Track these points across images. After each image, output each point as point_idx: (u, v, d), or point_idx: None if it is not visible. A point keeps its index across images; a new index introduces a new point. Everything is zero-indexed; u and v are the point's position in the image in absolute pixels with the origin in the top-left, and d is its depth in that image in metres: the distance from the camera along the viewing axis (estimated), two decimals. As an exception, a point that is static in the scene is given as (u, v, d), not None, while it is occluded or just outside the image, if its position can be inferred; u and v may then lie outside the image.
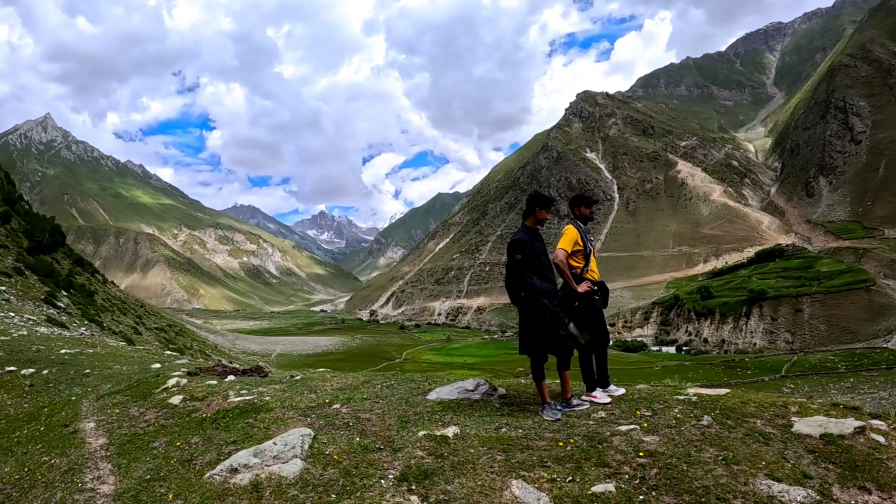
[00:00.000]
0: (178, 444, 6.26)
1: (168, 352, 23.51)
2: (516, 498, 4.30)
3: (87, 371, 11.68)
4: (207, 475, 5.14)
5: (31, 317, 27.05)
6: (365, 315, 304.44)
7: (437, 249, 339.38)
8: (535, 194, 6.80)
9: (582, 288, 6.70)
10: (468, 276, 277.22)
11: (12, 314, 25.78)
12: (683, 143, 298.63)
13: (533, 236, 6.68)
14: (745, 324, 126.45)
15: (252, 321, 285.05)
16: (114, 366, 12.43)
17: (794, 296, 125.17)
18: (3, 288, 33.01)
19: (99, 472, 6.02)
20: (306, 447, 5.24)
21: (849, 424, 5.19)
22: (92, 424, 7.76)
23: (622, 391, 6.72)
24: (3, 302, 29.41)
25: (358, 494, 4.47)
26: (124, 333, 43.92)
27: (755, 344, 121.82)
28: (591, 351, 6.95)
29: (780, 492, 4.16)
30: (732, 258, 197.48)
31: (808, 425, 5.26)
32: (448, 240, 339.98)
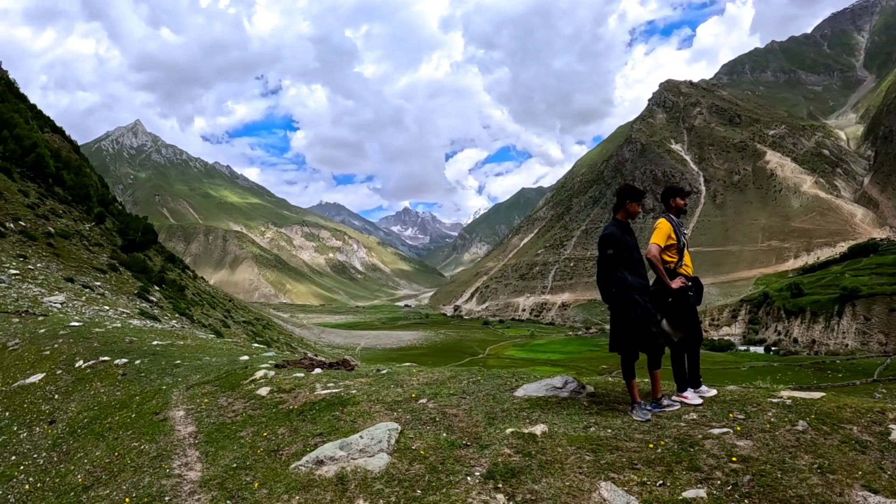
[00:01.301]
0: (265, 434, 6.33)
1: (255, 344, 24.18)
2: (605, 500, 4.20)
3: (178, 362, 12.00)
4: (293, 466, 5.18)
5: (124, 310, 28.18)
6: (449, 310, 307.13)
7: (521, 245, 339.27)
8: (625, 187, 6.62)
9: (676, 283, 6.51)
10: (553, 272, 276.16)
11: (107, 307, 26.90)
12: (771, 132, 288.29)
13: (624, 230, 6.51)
14: (836, 323, 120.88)
15: (337, 315, 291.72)
16: (203, 357, 12.75)
17: (890, 294, 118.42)
18: (99, 283, 34.58)
19: (187, 458, 6.17)
20: (393, 441, 5.22)
21: None
22: (181, 413, 7.96)
23: (714, 392, 6.47)
24: (99, 296, 30.77)
25: (444, 491, 4.41)
26: (213, 326, 45.48)
27: (847, 345, 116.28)
28: (684, 349, 6.73)
29: (877, 504, 3.93)
30: (824, 253, 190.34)
31: None
32: (532, 235, 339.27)
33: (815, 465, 4.41)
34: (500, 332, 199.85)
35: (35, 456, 7.97)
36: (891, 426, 5.10)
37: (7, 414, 10.24)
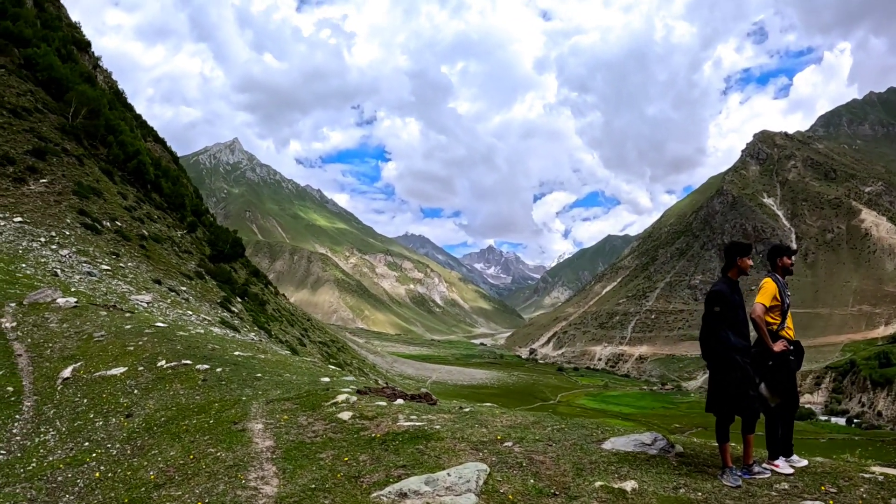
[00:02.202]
0: (346, 459, 6.33)
1: (331, 366, 24.47)
2: None
3: (259, 375, 12.14)
4: (374, 495, 5.17)
5: (206, 317, 29.00)
6: (524, 353, 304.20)
7: (603, 292, 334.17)
8: (734, 243, 6.46)
9: (778, 347, 6.29)
10: (633, 323, 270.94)
11: (190, 313, 27.73)
12: (868, 189, 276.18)
13: (732, 289, 6.33)
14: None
15: (412, 346, 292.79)
16: (284, 374, 12.86)
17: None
18: (185, 288, 35.77)
19: (263, 472, 6.19)
20: (481, 483, 5.14)
21: None
22: (260, 426, 8.02)
23: (805, 463, 6.22)
24: (183, 301, 31.81)
25: None
26: (290, 343, 46.39)
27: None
28: (779, 416, 6.48)
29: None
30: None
31: None
32: (615, 283, 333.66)
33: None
34: (573, 380, 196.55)
35: (108, 446, 8.18)
36: None
37: (85, 401, 10.54)
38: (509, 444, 6.68)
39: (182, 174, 69.71)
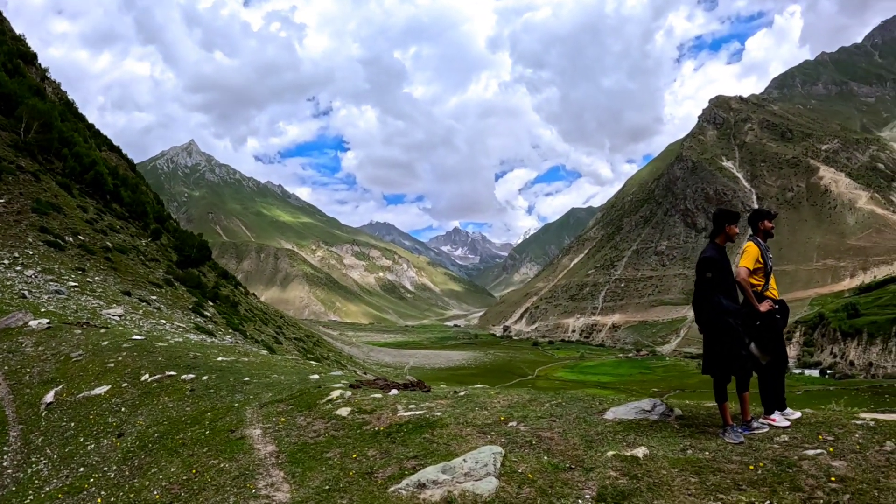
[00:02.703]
0: (354, 455, 6.32)
1: (313, 362, 24.38)
2: None
3: (247, 379, 12.06)
4: (392, 489, 5.16)
5: (180, 324, 28.74)
6: (498, 331, 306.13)
7: (571, 265, 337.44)
8: (723, 211, 6.73)
9: (764, 307, 6.54)
10: (603, 293, 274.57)
11: (164, 321, 27.46)
12: (825, 147, 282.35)
13: (721, 254, 6.61)
14: (894, 345, 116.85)
15: (386, 334, 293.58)
16: (271, 375, 12.80)
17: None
18: (155, 297, 35.34)
19: (272, 479, 6.12)
20: (498, 465, 5.20)
21: None
22: (258, 431, 7.93)
23: (798, 415, 6.51)
24: (155, 310, 31.46)
25: None
26: (266, 342, 46.11)
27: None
28: (770, 372, 6.72)
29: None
30: (882, 272, 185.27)
31: None
32: (582, 255, 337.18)
33: (906, 484, 4.53)
34: (549, 354, 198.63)
35: (105, 469, 8.03)
36: None
37: (73, 425, 10.40)
38: (514, 423, 6.81)
39: (141, 181, 68.74)
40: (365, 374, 45.06)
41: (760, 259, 6.74)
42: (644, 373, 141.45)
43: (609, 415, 6.92)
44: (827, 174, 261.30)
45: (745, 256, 6.71)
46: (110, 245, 39.22)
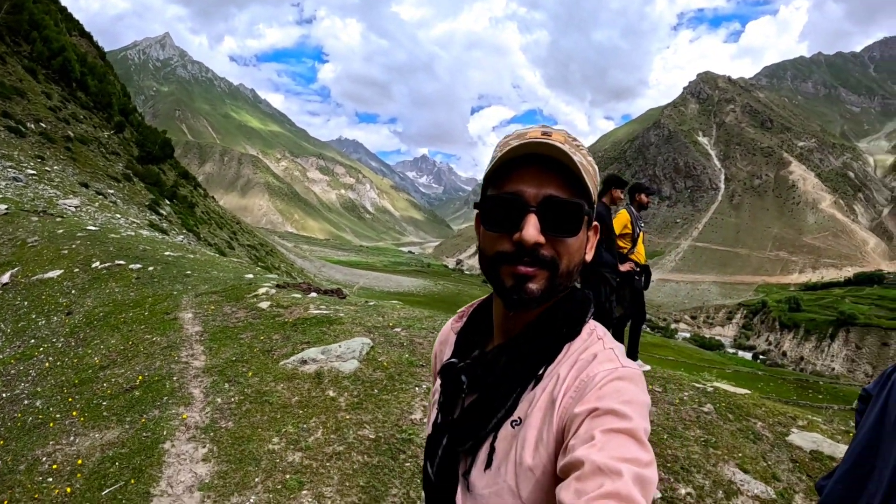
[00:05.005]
0: (262, 338, 7.38)
1: (258, 268, 25.20)
2: None
3: (189, 272, 12.90)
4: (282, 363, 6.27)
5: (135, 220, 28.85)
6: (451, 263, 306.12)
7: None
8: (614, 176, 7.22)
9: (624, 267, 7.19)
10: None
11: (119, 216, 27.57)
12: (801, 144, 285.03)
13: (608, 212, 7.10)
14: (828, 345, 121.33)
15: (341, 252, 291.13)
16: (212, 271, 13.60)
17: (885, 328, 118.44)
18: (112, 191, 35.32)
19: (193, 350, 7.15)
20: (364, 353, 6.29)
21: (843, 449, 5.37)
22: (190, 315, 8.93)
23: (647, 367, 7.12)
24: (111, 204, 31.51)
25: (395, 393, 5.49)
26: (218, 246, 46.37)
27: (833, 369, 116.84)
28: (623, 325, 7.55)
29: (741, 480, 4.44)
30: (829, 274, 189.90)
31: (803, 439, 5.47)
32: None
33: (702, 439, 4.97)
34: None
35: (54, 340, 8.77)
36: (793, 430, 5.70)
37: (26, 304, 11.04)
38: (398, 329, 7.70)
39: (109, 71, 66.83)
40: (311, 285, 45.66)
41: (629, 225, 7.41)
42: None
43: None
44: (797, 170, 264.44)
45: (615, 221, 7.32)
46: (72, 135, 38.71)
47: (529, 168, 1.12)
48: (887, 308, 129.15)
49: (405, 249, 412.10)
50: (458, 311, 1.50)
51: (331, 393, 5.52)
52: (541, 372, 1.15)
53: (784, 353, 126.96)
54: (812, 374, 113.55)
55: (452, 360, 1.29)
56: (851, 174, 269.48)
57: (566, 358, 1.16)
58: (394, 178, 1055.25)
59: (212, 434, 4.84)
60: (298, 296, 10.01)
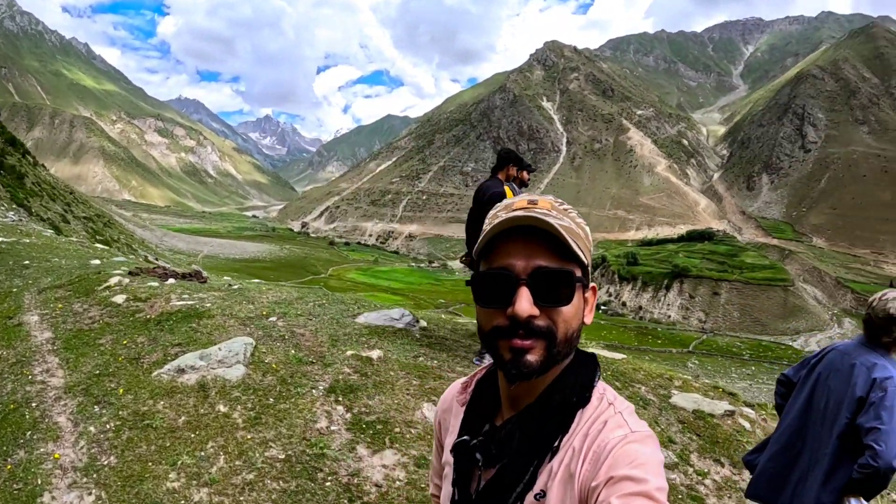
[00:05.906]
0: (125, 342, 6.47)
1: (98, 245, 23.36)
2: (425, 417, 4.98)
3: (27, 262, 11.70)
4: (155, 373, 5.49)
5: (-43, 195, 26.19)
6: (296, 226, 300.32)
7: (377, 170, 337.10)
8: (513, 153, 6.94)
9: None
10: (404, 202, 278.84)
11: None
12: (639, 112, 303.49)
13: (501, 187, 6.79)
14: (664, 296, 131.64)
15: (182, 219, 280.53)
16: (52, 259, 12.42)
17: (715, 279, 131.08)
18: (-72, 161, 31.79)
19: (47, 364, 6.14)
20: (248, 355, 5.75)
21: (721, 406, 6.00)
22: (36, 318, 7.85)
23: None
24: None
25: (293, 400, 5.05)
26: (52, 221, 43.03)
27: (670, 316, 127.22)
28: None
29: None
30: (664, 231, 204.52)
31: (685, 399, 6.00)
32: (390, 163, 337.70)
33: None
34: (344, 255, 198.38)
35: None
36: (673, 391, 6.20)
37: None
38: (274, 318, 7.20)
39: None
40: (156, 259, 43.38)
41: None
42: (434, 284, 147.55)
43: (361, 319, 7.44)
44: (635, 136, 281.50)
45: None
46: None
47: (517, 240, 1.13)
48: (716, 262, 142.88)
49: (249, 214, 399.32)
50: (461, 380, 1.49)
51: (222, 408, 4.92)
52: (556, 444, 1.16)
53: (624, 304, 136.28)
54: (650, 322, 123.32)
55: (464, 437, 1.28)
56: (685, 142, 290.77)
57: (580, 427, 1.16)
58: (236, 140, 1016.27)
59: (94, 476, 4.11)
60: (156, 284, 9.14)
